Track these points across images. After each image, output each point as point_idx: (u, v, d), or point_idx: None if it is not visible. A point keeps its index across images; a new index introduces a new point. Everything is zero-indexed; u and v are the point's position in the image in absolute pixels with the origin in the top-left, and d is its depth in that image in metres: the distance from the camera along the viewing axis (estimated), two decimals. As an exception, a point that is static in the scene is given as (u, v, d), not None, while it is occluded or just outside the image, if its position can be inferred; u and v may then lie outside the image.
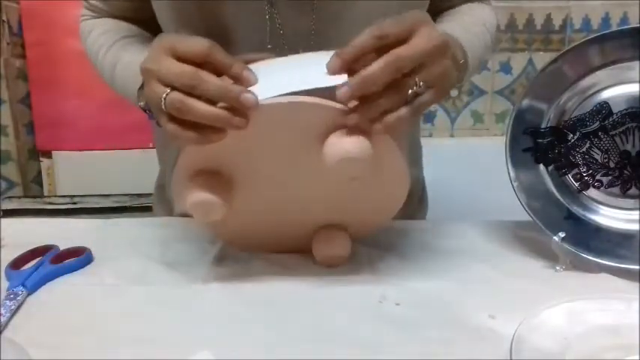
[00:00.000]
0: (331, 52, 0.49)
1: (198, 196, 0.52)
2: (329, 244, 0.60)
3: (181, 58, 0.49)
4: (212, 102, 0.49)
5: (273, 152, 0.54)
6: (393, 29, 0.49)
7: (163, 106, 0.49)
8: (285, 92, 0.48)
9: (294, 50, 0.61)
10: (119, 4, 0.71)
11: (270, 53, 0.56)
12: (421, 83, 0.49)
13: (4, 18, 1.70)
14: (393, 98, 0.49)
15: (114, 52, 0.67)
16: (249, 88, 0.49)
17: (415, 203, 0.86)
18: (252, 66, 0.51)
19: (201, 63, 0.49)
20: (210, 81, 0.48)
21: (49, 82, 1.75)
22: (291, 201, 0.58)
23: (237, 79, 0.50)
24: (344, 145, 0.49)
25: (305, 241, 0.60)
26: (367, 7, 0.63)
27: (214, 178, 0.53)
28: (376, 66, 0.47)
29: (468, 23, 0.70)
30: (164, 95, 0.49)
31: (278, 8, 0.62)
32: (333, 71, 0.48)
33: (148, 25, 0.71)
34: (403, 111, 0.49)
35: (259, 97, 0.48)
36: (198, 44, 0.50)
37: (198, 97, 0.48)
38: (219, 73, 0.50)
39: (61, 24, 1.69)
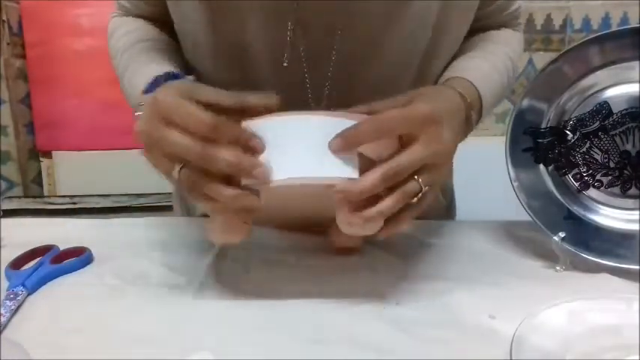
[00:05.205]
0: (337, 120, 0.48)
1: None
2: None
3: (182, 128, 0.47)
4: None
5: (285, 217, 0.62)
6: (400, 127, 0.48)
7: (178, 182, 0.48)
8: (297, 177, 0.47)
9: (311, 71, 0.62)
10: (146, 8, 0.71)
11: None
12: (426, 188, 0.48)
13: (4, 18, 1.71)
14: (395, 202, 0.48)
15: (127, 57, 0.65)
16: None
17: (442, 210, 0.84)
18: (255, 125, 0.49)
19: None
20: (220, 157, 0.46)
21: (49, 82, 1.75)
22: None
23: (245, 149, 0.47)
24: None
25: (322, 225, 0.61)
26: (390, 49, 0.63)
27: None
28: (373, 177, 0.46)
29: (494, 61, 0.68)
30: (175, 173, 0.48)
31: (302, 30, 0.61)
32: (336, 151, 0.47)
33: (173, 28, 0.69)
34: (404, 225, 0.50)
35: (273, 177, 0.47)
36: (199, 118, 0.46)
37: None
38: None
39: (61, 24, 1.69)
